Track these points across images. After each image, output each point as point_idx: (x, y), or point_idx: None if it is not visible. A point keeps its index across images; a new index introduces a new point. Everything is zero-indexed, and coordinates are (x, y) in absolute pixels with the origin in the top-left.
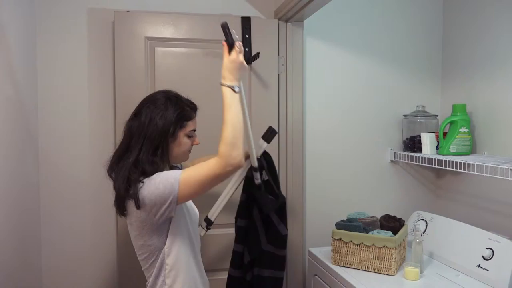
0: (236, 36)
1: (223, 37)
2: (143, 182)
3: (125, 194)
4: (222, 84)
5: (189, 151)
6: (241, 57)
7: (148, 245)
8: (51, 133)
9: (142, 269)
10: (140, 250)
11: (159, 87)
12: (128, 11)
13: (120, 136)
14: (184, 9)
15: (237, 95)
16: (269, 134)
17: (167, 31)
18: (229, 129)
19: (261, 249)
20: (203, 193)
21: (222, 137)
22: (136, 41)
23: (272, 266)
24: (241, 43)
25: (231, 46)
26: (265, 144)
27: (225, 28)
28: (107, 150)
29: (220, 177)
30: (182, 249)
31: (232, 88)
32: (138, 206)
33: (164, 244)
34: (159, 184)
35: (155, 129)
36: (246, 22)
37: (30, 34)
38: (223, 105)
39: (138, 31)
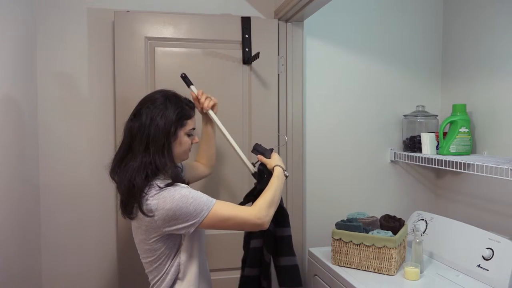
0: (266, 147)
1: (222, 37)
2: (159, 189)
3: (133, 199)
4: (277, 165)
5: (189, 150)
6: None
7: (155, 250)
8: (51, 133)
9: (146, 271)
10: (145, 253)
11: (159, 87)
12: (128, 11)
13: (120, 137)
14: (184, 9)
15: (284, 178)
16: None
17: (167, 31)
18: (272, 193)
19: (273, 236)
20: (220, 229)
21: (263, 195)
22: (136, 41)
23: (287, 252)
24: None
25: (270, 155)
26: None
27: (258, 150)
28: (107, 150)
29: (245, 224)
30: (195, 264)
31: (284, 171)
32: (148, 214)
33: (171, 250)
34: (191, 204)
35: (157, 130)
36: (246, 22)
37: (30, 34)
38: (273, 176)
39: (138, 31)
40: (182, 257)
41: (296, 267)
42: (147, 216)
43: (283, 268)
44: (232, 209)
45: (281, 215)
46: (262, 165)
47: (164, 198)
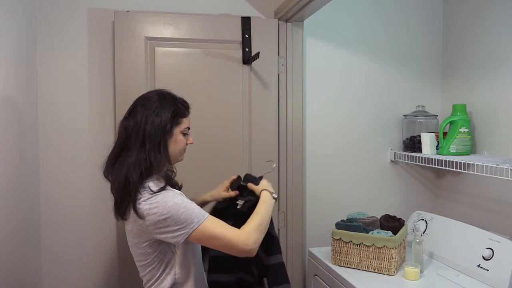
0: (255, 176)
1: (222, 37)
2: (152, 193)
3: (128, 196)
4: (265, 190)
5: (184, 151)
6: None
7: (148, 254)
8: (51, 133)
9: (140, 275)
10: (138, 257)
11: (159, 87)
12: (128, 11)
13: None
14: (184, 9)
15: (273, 201)
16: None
17: (167, 31)
18: (259, 219)
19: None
20: (208, 246)
21: (250, 221)
22: (136, 41)
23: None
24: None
25: (259, 182)
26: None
27: (249, 180)
28: (107, 150)
29: (232, 247)
30: (192, 275)
31: (272, 194)
32: (139, 217)
33: (164, 255)
34: (182, 214)
35: (152, 127)
36: (246, 22)
37: (30, 34)
38: (260, 201)
39: (138, 31)
40: (178, 268)
41: None
42: (139, 218)
43: None
44: (222, 228)
45: (268, 242)
46: (252, 194)
47: (156, 203)
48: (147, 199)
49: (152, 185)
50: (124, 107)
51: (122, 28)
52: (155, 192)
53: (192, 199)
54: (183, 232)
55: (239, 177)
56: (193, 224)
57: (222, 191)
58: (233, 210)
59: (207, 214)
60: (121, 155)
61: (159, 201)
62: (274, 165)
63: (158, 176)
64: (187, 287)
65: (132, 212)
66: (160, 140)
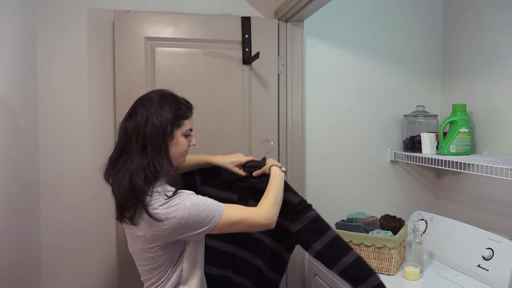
0: (258, 160)
1: (222, 37)
2: (167, 198)
3: (136, 201)
4: (274, 165)
5: (186, 152)
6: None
7: (158, 257)
8: (51, 133)
9: (142, 278)
10: (146, 261)
11: (159, 87)
12: (128, 11)
13: None
14: (184, 9)
15: (283, 174)
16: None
17: (167, 31)
18: (274, 193)
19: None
20: (229, 232)
21: (266, 196)
22: (136, 41)
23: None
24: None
25: (264, 162)
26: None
27: (255, 166)
28: (107, 150)
29: (254, 226)
30: (199, 269)
31: (281, 168)
32: (159, 220)
33: (175, 256)
34: (203, 212)
35: (153, 129)
36: (246, 22)
37: (30, 34)
38: (271, 176)
39: (138, 31)
40: (185, 263)
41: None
42: (157, 221)
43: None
44: (240, 212)
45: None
46: (259, 182)
47: (175, 206)
48: (164, 203)
49: (168, 189)
50: (124, 107)
51: (122, 28)
52: (170, 197)
53: (195, 157)
54: (206, 228)
55: (254, 163)
56: (215, 218)
57: (234, 166)
58: (241, 185)
59: (223, 204)
60: (121, 158)
61: (177, 204)
62: (272, 143)
63: (166, 180)
64: (194, 279)
65: (144, 217)
66: (161, 143)
